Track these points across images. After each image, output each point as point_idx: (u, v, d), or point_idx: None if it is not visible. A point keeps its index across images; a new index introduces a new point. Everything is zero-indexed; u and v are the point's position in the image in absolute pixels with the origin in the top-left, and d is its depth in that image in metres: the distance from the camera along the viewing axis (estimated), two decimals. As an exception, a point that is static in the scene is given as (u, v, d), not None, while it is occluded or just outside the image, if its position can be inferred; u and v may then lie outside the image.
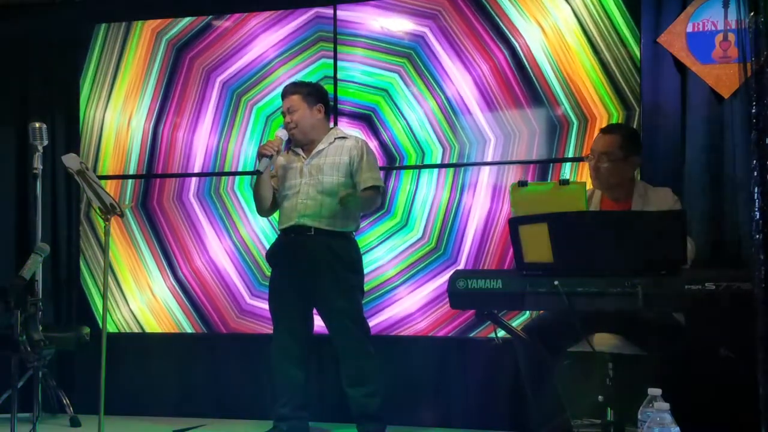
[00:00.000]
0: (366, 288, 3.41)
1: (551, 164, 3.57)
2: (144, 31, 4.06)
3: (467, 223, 3.65)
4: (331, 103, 3.46)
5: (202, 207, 3.95)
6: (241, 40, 3.96)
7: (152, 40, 4.05)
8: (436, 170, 3.71)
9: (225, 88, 3.96)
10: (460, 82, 3.67)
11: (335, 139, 3.29)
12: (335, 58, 3.82)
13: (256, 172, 3.22)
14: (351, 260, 3.25)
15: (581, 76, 3.53)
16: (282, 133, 3.25)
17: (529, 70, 3.59)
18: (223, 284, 3.92)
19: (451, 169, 3.69)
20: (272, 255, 3.35)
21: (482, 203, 3.64)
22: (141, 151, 4.03)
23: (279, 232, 3.33)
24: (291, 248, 3.22)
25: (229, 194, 3.94)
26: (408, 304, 3.70)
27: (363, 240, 3.69)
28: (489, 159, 3.65)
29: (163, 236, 3.99)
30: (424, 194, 3.71)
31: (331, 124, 3.48)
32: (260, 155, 3.17)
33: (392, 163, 3.75)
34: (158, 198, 4.01)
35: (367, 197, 3.21)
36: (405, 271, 3.71)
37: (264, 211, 3.38)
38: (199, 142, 3.98)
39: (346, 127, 3.70)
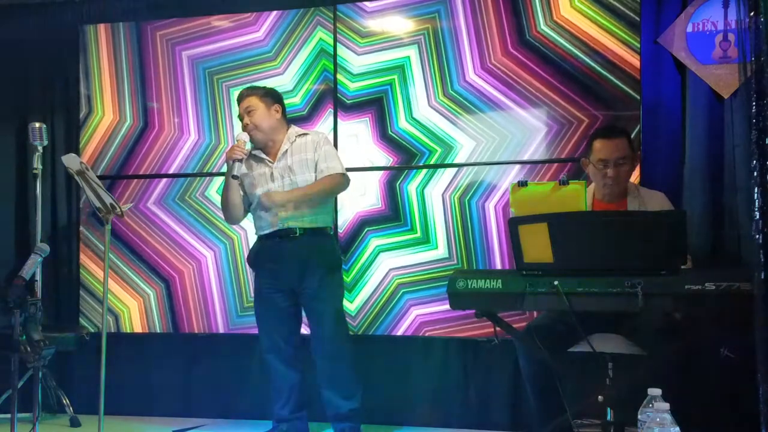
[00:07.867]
0: (383, 294, 3.48)
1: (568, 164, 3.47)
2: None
3: (489, 231, 3.56)
4: (287, 105, 3.39)
5: (198, 208, 3.95)
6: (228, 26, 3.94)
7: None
8: (454, 170, 3.61)
9: (202, 69, 3.93)
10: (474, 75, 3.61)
11: (296, 137, 3.26)
12: (335, 40, 3.77)
13: (233, 177, 3.14)
14: (336, 259, 3.32)
15: (582, 75, 3.50)
16: (244, 136, 3.20)
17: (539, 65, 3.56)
18: (204, 304, 3.89)
19: (472, 168, 3.58)
20: (255, 258, 3.31)
21: (503, 208, 3.55)
22: (129, 150, 4.01)
23: (258, 238, 3.29)
24: (276, 251, 3.19)
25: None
26: (428, 316, 3.62)
27: (373, 242, 3.68)
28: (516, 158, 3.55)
29: (158, 237, 3.97)
30: (439, 198, 3.63)
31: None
32: (232, 159, 3.12)
33: (410, 161, 3.67)
34: (157, 198, 4.00)
35: (321, 185, 3.15)
36: (423, 282, 3.62)
37: (235, 219, 3.32)
38: (187, 139, 3.95)
39: (351, 118, 3.69)
